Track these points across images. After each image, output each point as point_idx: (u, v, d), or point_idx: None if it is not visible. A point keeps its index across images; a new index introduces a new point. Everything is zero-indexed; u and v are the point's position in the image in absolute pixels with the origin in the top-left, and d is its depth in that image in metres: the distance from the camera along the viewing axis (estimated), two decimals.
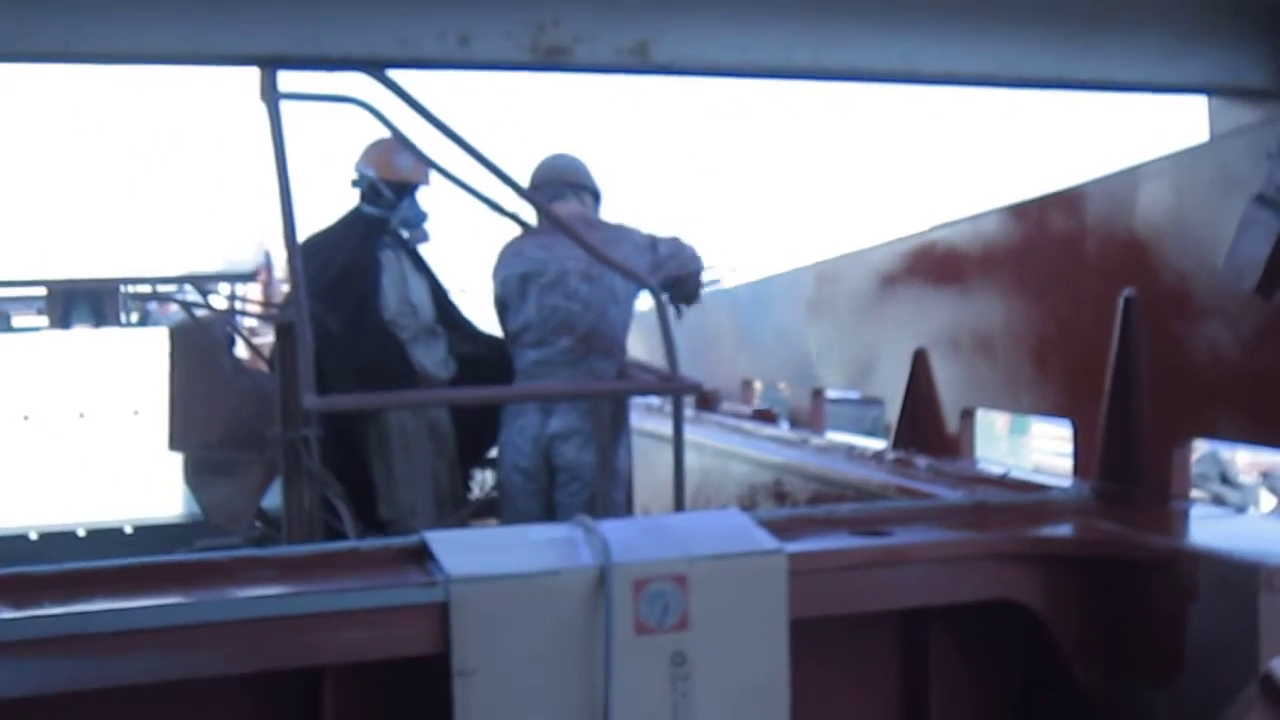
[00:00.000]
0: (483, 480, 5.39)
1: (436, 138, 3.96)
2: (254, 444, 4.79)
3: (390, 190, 5.18)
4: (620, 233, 5.07)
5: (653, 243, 5.10)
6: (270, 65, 2.99)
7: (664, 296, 4.51)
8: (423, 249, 5.39)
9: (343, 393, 4.43)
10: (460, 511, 5.11)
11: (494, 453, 5.24)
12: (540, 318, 5.00)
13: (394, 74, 3.20)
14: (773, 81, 3.17)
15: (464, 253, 5.88)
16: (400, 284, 5.11)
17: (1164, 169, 3.42)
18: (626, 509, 4.73)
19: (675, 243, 5.16)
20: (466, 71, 3.11)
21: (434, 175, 4.95)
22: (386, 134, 4.11)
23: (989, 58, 3.14)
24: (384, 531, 4.66)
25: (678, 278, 5.12)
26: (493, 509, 5.20)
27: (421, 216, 5.32)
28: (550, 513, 4.95)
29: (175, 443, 5.28)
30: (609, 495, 4.88)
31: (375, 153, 5.15)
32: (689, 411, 6.41)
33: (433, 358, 5.10)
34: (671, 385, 4.45)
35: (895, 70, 3.08)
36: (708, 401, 6.52)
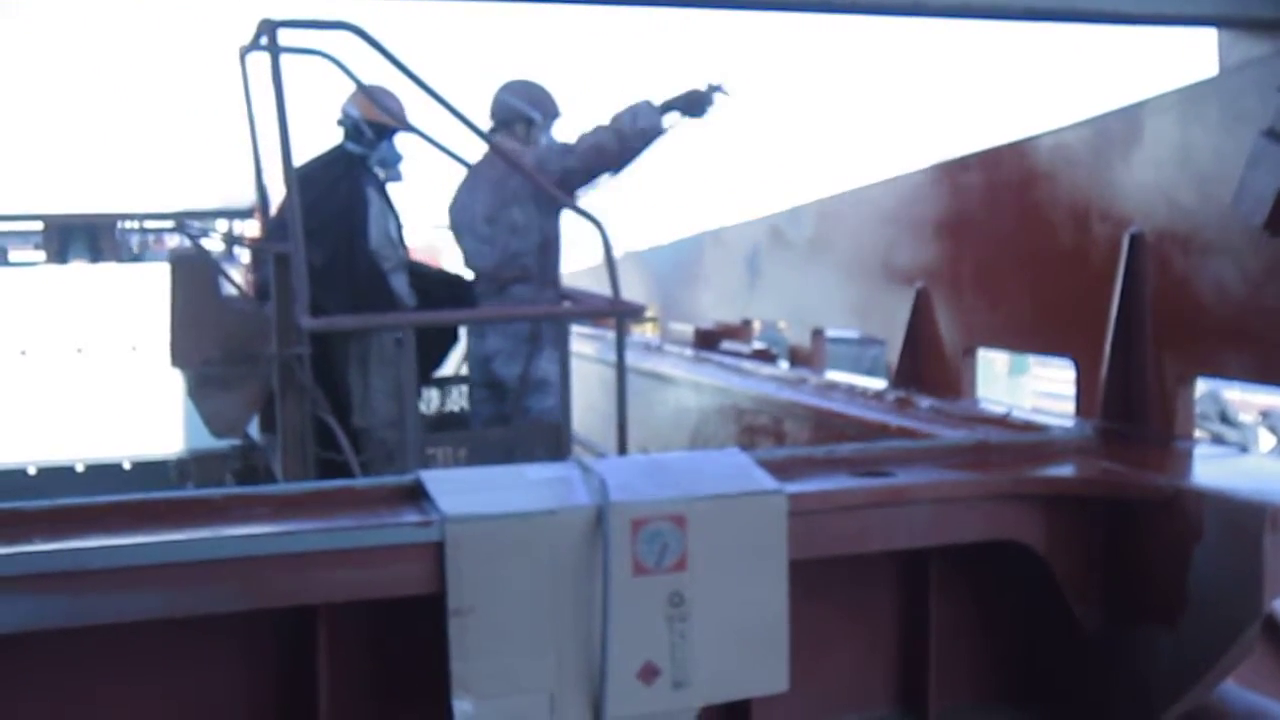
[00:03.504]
0: (429, 399, 5.86)
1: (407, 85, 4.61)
2: (250, 361, 5.38)
3: (371, 130, 5.67)
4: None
5: (564, 149, 5.44)
6: None
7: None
8: (393, 188, 5.87)
9: (332, 315, 4.95)
10: (428, 425, 5.55)
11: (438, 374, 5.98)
12: (467, 258, 5.74)
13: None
14: (776, 14, 3.11)
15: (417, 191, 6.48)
16: (381, 219, 5.54)
17: (1172, 104, 3.36)
18: (563, 417, 5.07)
19: (589, 136, 5.40)
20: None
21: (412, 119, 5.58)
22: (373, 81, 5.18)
23: None
24: (356, 440, 5.11)
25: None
26: (453, 422, 5.78)
27: (398, 158, 5.84)
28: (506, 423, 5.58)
29: (178, 360, 5.73)
30: (533, 405, 5.47)
31: (361, 95, 5.55)
32: (688, 351, 6.41)
33: (403, 286, 5.58)
34: (614, 308, 4.96)
35: (902, 3, 3.02)
36: (707, 340, 6.51)
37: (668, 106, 5.29)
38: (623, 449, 5.00)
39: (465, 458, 4.81)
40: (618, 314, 4.99)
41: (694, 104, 5.32)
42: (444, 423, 5.73)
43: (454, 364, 6.35)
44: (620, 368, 4.85)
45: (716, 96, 5.32)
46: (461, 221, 5.70)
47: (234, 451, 6.15)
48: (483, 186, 5.58)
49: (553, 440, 5.02)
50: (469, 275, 5.82)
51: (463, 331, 6.06)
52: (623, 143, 5.27)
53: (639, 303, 5.24)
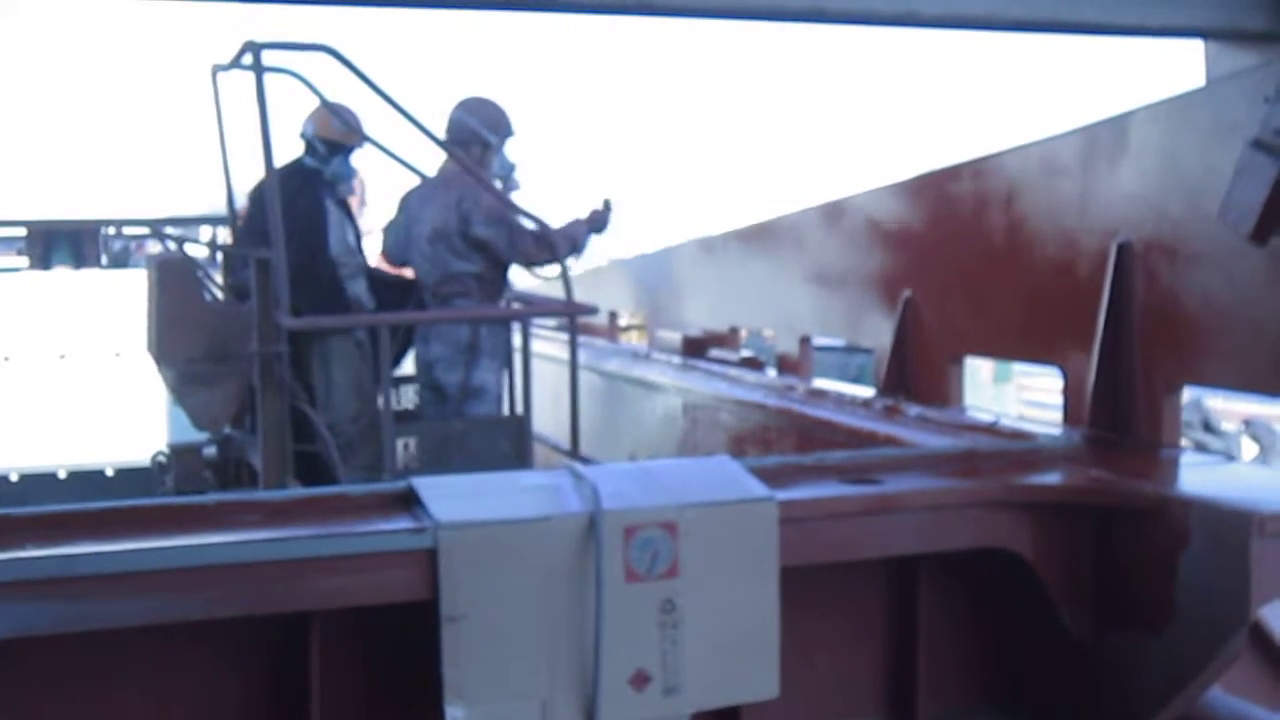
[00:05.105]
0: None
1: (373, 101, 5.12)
2: (230, 359, 5.73)
3: (324, 146, 6.07)
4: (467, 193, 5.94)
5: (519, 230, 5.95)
6: None
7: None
8: (348, 200, 6.33)
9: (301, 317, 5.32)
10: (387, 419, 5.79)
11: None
12: (416, 270, 6.18)
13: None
14: (765, 24, 3.11)
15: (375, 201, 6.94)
16: (340, 229, 5.98)
17: (1159, 114, 3.38)
18: (526, 413, 5.65)
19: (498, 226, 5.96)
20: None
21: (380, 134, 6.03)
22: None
23: (987, 1, 3.08)
24: (320, 433, 5.52)
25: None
26: (408, 419, 6.08)
27: (350, 173, 6.31)
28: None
29: (162, 359, 6.04)
30: (468, 411, 5.93)
31: (318, 114, 6.01)
32: (676, 359, 6.43)
33: (362, 291, 6.06)
34: (567, 308, 5.60)
35: (893, 13, 3.02)
36: (695, 348, 6.52)
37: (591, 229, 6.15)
38: (575, 445, 5.45)
39: (419, 450, 5.30)
40: (570, 313, 5.62)
41: (598, 222, 6.19)
42: (399, 419, 5.94)
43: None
44: (573, 366, 5.44)
45: (610, 213, 6.20)
46: (410, 232, 6.13)
47: (211, 445, 6.51)
48: (434, 204, 5.95)
49: (514, 434, 5.50)
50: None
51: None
52: (556, 248, 5.88)
53: (591, 304, 5.78)
